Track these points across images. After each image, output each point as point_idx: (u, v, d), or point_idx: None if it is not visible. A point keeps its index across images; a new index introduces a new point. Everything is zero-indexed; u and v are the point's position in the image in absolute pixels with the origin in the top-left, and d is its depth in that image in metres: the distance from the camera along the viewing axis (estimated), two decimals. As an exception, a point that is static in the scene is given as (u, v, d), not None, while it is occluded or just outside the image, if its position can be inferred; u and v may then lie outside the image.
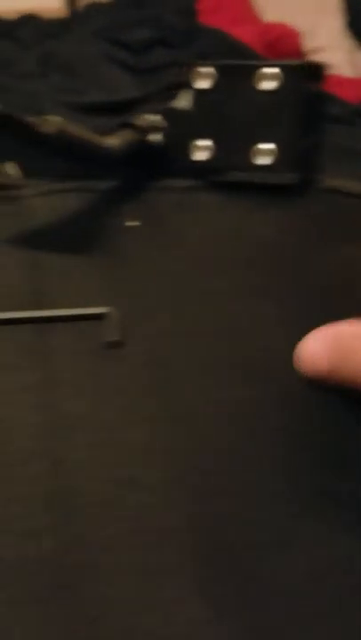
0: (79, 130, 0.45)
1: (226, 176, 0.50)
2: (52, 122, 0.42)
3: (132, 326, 0.35)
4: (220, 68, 0.48)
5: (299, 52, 1.01)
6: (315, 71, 0.49)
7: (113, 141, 0.49)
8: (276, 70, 0.46)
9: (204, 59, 1.11)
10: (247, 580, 0.22)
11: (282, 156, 0.47)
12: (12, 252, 0.43)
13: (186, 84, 0.51)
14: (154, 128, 0.51)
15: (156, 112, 0.51)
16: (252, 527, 0.23)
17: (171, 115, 0.51)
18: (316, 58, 1.20)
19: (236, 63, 0.49)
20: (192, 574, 0.22)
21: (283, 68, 0.46)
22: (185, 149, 0.50)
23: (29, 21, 1.33)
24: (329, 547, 0.22)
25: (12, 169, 0.59)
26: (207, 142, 0.49)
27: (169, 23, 1.12)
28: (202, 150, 0.50)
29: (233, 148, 0.49)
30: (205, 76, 0.48)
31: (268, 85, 0.46)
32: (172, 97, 0.62)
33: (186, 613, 0.20)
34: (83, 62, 1.05)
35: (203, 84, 0.49)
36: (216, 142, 0.49)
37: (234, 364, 0.32)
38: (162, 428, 0.28)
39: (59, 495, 0.25)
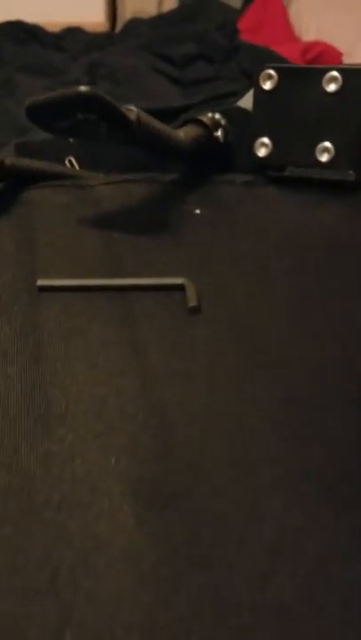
0: (153, 120, 0.48)
1: (285, 172, 0.53)
2: (132, 110, 0.45)
3: (206, 296, 0.37)
4: (285, 71, 0.51)
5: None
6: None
7: (180, 135, 0.52)
8: (337, 74, 0.49)
9: (246, 73, 1.15)
10: (347, 507, 0.24)
11: (341, 155, 0.50)
12: (88, 232, 0.46)
13: (252, 86, 0.54)
14: (218, 125, 0.54)
15: (220, 111, 0.54)
16: (336, 467, 0.26)
17: (235, 113, 0.55)
18: None
19: (301, 67, 0.52)
20: (296, 491, 0.24)
21: (344, 72, 0.49)
22: (248, 146, 0.53)
23: (75, 33, 1.39)
24: None
25: (72, 162, 0.63)
26: (269, 140, 0.53)
27: (212, 40, 1.17)
28: (263, 147, 0.53)
29: (293, 146, 0.52)
30: (271, 78, 0.51)
31: (330, 88, 0.49)
32: (216, 106, 0.65)
33: (293, 523, 0.23)
34: (129, 72, 1.09)
35: (268, 85, 0.52)
36: (277, 140, 0.52)
37: (307, 329, 0.35)
38: (248, 377, 0.31)
39: (162, 430, 0.27)
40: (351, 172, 0.50)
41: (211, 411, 0.29)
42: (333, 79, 0.49)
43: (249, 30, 1.22)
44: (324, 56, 1.02)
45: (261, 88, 0.52)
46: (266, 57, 1.06)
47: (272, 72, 0.51)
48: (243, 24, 1.26)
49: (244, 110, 0.55)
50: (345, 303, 0.37)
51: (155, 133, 0.47)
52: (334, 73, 0.49)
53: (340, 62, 1.06)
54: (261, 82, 0.52)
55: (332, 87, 0.49)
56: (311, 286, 0.39)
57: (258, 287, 0.39)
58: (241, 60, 1.11)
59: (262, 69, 0.52)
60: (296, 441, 0.27)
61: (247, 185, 0.53)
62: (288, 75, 0.51)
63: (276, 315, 0.36)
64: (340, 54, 1.06)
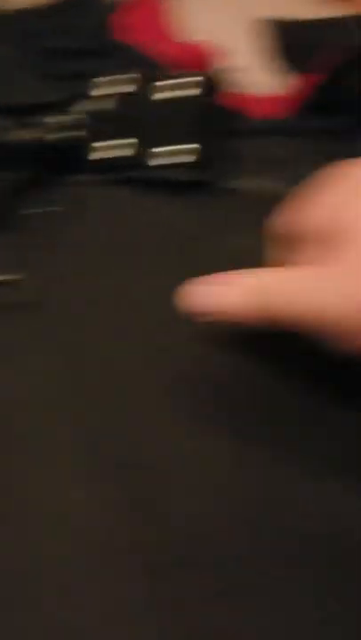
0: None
1: (135, 173, 0.54)
2: None
3: (49, 293, 0.38)
4: (143, 75, 0.53)
5: (217, 70, 1.08)
6: (216, 82, 0.55)
7: (26, 136, 0.52)
8: (194, 79, 0.51)
9: (120, 72, 1.16)
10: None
11: (185, 157, 0.52)
12: None
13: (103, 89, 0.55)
14: (68, 126, 0.54)
15: (72, 112, 0.55)
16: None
17: (87, 115, 0.55)
18: (236, 77, 1.27)
19: (158, 71, 0.54)
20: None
21: (201, 76, 0.51)
22: (99, 147, 0.54)
23: None
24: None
25: None
26: (120, 141, 0.54)
27: (87, 36, 1.16)
28: (118, 148, 0.54)
29: (143, 148, 0.53)
30: (129, 81, 0.53)
31: (186, 92, 0.51)
32: (83, 103, 0.66)
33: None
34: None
35: (126, 88, 0.53)
36: (128, 142, 0.54)
37: (134, 323, 0.36)
38: (78, 364, 0.32)
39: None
40: (202, 172, 0.52)
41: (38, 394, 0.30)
42: (189, 84, 0.51)
43: (126, 28, 1.22)
44: (203, 56, 1.04)
45: (120, 90, 0.53)
46: (140, 56, 1.07)
47: (131, 75, 0.53)
48: (120, 22, 1.26)
49: (101, 111, 0.56)
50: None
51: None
52: (190, 78, 0.51)
53: (218, 62, 1.08)
54: (120, 85, 0.53)
55: (187, 92, 0.51)
56: (146, 285, 0.40)
57: (95, 285, 0.40)
58: (116, 59, 1.11)
59: (121, 72, 0.54)
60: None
61: (100, 185, 0.54)
62: (146, 78, 0.53)
63: (115, 309, 0.37)
64: (218, 54, 1.08)
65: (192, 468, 0.26)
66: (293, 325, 0.29)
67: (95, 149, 0.53)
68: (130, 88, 0.53)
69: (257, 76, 1.27)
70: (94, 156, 0.53)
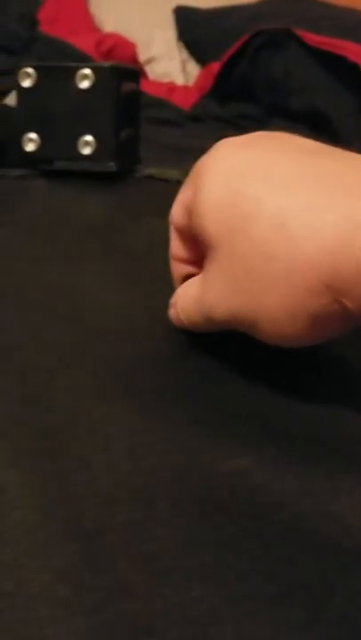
0: None
1: (53, 165, 0.56)
2: None
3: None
4: (42, 69, 0.54)
5: (133, 60, 1.10)
6: (127, 73, 0.56)
7: None
8: (89, 71, 0.52)
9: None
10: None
11: (101, 147, 0.54)
12: None
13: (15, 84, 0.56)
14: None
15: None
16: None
17: (1, 111, 0.56)
18: (151, 67, 1.29)
19: (56, 65, 0.55)
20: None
21: (95, 69, 0.53)
22: (16, 142, 0.55)
23: None
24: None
25: None
26: (35, 135, 0.55)
27: (11, 30, 1.16)
28: (31, 143, 0.55)
29: (58, 140, 0.55)
30: (30, 76, 0.54)
31: (83, 84, 0.53)
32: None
33: None
34: None
35: (27, 83, 0.54)
36: (43, 135, 0.55)
37: (54, 307, 0.38)
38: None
39: None
40: (112, 163, 0.54)
41: None
42: (85, 76, 0.52)
43: (48, 21, 1.23)
44: (117, 48, 1.06)
45: (21, 86, 0.54)
46: (61, 49, 1.08)
47: (29, 70, 0.54)
48: (42, 14, 1.26)
49: (10, 107, 0.57)
50: (103, 284, 0.40)
51: None
52: (86, 70, 0.52)
53: (134, 53, 1.10)
54: (20, 80, 0.54)
55: (85, 84, 0.53)
56: (67, 271, 0.42)
57: (17, 273, 0.41)
58: (39, 52, 1.12)
59: (20, 67, 0.55)
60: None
61: (20, 179, 0.55)
62: (44, 72, 0.54)
63: (28, 296, 0.39)
64: (133, 45, 1.10)
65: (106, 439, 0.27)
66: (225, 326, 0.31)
67: (26, 142, 0.55)
68: (26, 83, 0.54)
69: (170, 66, 1.30)
70: (27, 148, 0.55)
